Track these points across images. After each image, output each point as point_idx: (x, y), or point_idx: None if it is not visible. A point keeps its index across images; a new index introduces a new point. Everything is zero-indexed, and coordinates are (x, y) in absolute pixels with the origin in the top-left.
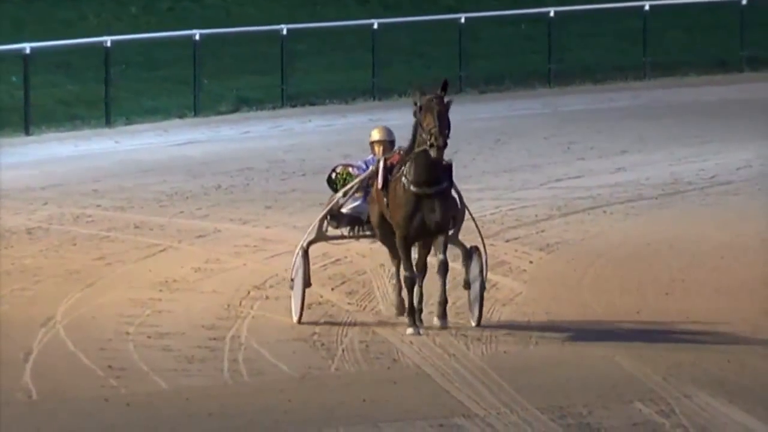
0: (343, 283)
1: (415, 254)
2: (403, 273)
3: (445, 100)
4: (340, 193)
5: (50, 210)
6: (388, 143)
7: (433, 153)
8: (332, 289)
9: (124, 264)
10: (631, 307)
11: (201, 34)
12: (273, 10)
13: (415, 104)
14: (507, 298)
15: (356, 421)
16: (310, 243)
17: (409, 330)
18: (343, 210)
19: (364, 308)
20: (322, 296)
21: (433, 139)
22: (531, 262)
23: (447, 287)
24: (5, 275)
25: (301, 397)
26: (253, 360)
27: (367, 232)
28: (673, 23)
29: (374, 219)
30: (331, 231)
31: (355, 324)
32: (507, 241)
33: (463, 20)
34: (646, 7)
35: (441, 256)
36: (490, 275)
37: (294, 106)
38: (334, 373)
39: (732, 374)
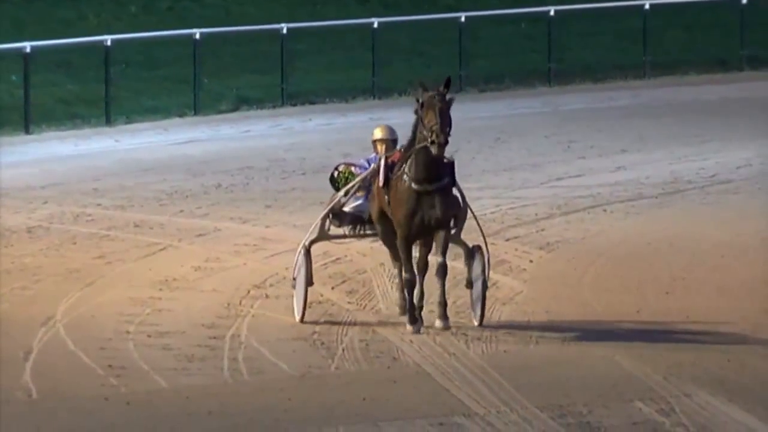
0: (343, 282)
1: (415, 253)
2: (403, 274)
3: (447, 97)
4: (341, 192)
5: (50, 209)
6: (391, 141)
7: (434, 150)
8: (332, 288)
9: (124, 263)
10: (632, 306)
11: (201, 33)
12: (273, 9)
13: (417, 101)
14: (507, 297)
15: (356, 419)
16: (312, 242)
17: (409, 328)
18: (345, 209)
19: (365, 307)
20: (322, 295)
21: (434, 136)
22: (531, 261)
23: (447, 286)
24: (5, 274)
25: (301, 396)
26: (253, 359)
27: (369, 231)
28: (673, 22)
29: (375, 216)
30: (333, 230)
31: (355, 323)
32: (507, 240)
33: (463, 19)
34: (646, 6)
35: (440, 259)
36: (490, 274)
37: (294, 105)
38: (334, 371)
39: (732, 373)
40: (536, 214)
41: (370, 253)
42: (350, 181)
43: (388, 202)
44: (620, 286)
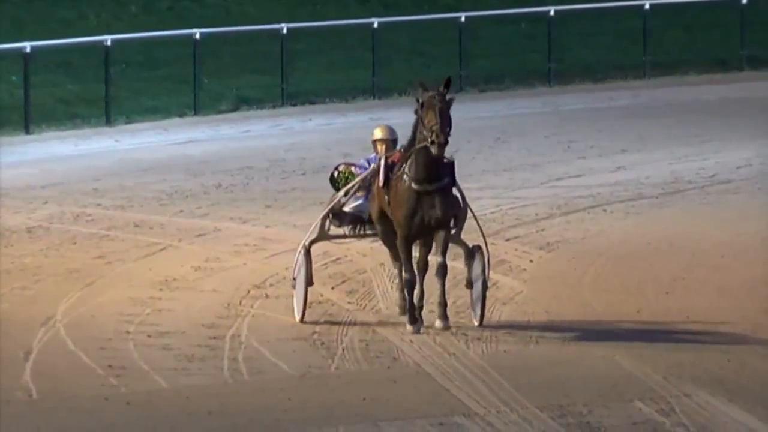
0: (343, 281)
1: (415, 253)
2: (403, 274)
3: (447, 97)
4: (341, 192)
5: (50, 209)
6: (391, 141)
7: (434, 150)
8: (332, 288)
9: (124, 263)
10: (632, 306)
11: (201, 33)
12: (273, 9)
13: (417, 101)
14: (507, 297)
15: (356, 419)
16: (313, 242)
17: (410, 328)
18: (345, 209)
19: (364, 307)
20: (322, 295)
21: (434, 136)
22: (531, 261)
23: (447, 286)
24: (5, 274)
25: (301, 396)
26: (253, 359)
27: (369, 232)
28: (673, 22)
29: (375, 216)
30: (334, 230)
31: (355, 323)
32: (507, 240)
33: (463, 19)
34: (647, 6)
35: (440, 259)
36: (490, 274)
37: (294, 104)
38: (334, 371)
39: (732, 373)
40: (536, 214)
41: (370, 253)
42: (350, 181)
43: (388, 202)
44: (620, 286)
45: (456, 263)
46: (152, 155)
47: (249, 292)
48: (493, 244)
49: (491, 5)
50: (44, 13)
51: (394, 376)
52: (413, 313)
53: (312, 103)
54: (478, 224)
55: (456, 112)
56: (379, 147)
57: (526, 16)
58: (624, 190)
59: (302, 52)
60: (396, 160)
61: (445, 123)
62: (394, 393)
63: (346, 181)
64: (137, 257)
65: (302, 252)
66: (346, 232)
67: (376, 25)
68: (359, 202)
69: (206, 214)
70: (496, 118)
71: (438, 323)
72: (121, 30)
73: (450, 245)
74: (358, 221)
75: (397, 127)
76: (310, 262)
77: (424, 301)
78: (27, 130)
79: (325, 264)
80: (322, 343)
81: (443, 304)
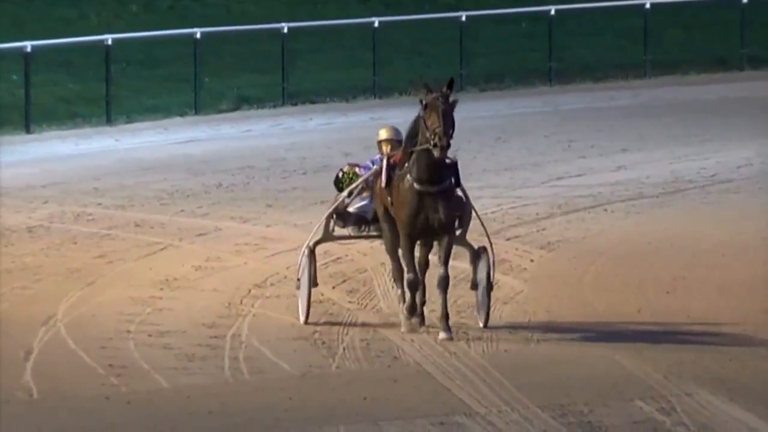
0: (344, 281)
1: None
2: (406, 274)
3: (451, 99)
4: (345, 193)
5: (51, 208)
6: (396, 142)
7: (435, 153)
8: (333, 288)
9: (125, 262)
10: (632, 305)
11: (202, 33)
12: (273, 8)
13: (421, 102)
14: (508, 297)
15: (357, 419)
16: (317, 243)
17: (407, 325)
18: (350, 209)
19: (365, 306)
20: (323, 294)
21: (437, 138)
22: (532, 260)
23: (448, 284)
24: (6, 273)
25: (302, 396)
26: (253, 358)
27: (374, 232)
28: (674, 21)
29: (381, 216)
30: (338, 230)
31: (356, 322)
32: (508, 239)
33: (463, 18)
34: (647, 6)
35: (442, 271)
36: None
37: (295, 104)
38: (335, 371)
39: (732, 372)
40: (537, 214)
41: (371, 253)
42: (355, 181)
43: (391, 203)
44: (621, 285)
45: (457, 262)
46: (153, 154)
47: (250, 291)
48: (493, 243)
49: (492, 4)
50: (45, 12)
51: (394, 376)
52: (414, 311)
53: (313, 102)
54: (483, 225)
55: (457, 111)
56: (384, 147)
57: (526, 16)
58: (624, 190)
59: (303, 51)
60: (398, 160)
61: (448, 125)
62: (395, 392)
63: (351, 182)
64: (138, 257)
65: (306, 252)
66: (351, 233)
67: (376, 25)
68: (364, 203)
69: (207, 213)
70: (496, 118)
71: (442, 335)
72: (121, 29)
73: (453, 246)
74: (362, 222)
75: (400, 127)
76: (315, 263)
77: (426, 297)
78: (27, 130)
79: (326, 263)
80: (323, 343)
81: (446, 317)
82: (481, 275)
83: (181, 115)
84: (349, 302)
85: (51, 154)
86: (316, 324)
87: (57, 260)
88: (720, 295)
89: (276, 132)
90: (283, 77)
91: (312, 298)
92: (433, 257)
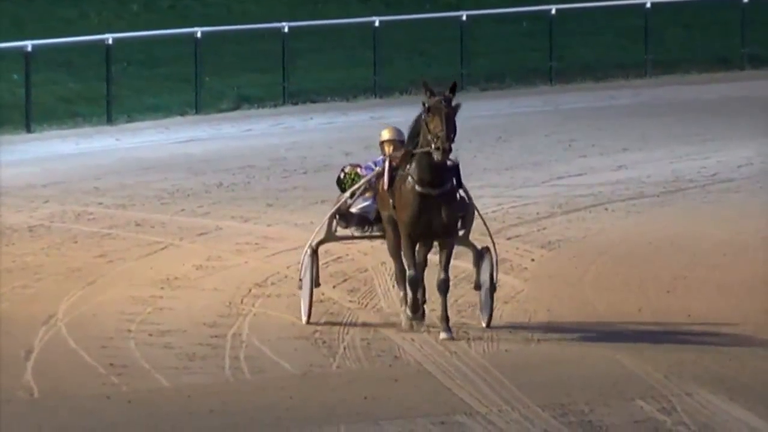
0: (344, 280)
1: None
2: (407, 271)
3: (453, 103)
4: (347, 193)
5: (51, 207)
6: (398, 142)
7: (437, 157)
8: (334, 287)
9: (126, 262)
10: (633, 305)
11: (202, 32)
12: (274, 7)
13: (423, 104)
14: (508, 296)
15: (357, 418)
16: (320, 243)
17: (407, 322)
18: (352, 210)
19: (366, 306)
20: (323, 294)
21: (439, 142)
22: (532, 259)
23: (449, 287)
24: (6, 273)
25: (303, 395)
26: (254, 357)
27: (377, 233)
28: (674, 21)
29: (384, 218)
30: (340, 231)
31: (356, 321)
32: (508, 238)
33: (464, 18)
34: (648, 5)
35: (442, 275)
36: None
37: (295, 103)
38: (336, 370)
39: (733, 372)
40: (537, 213)
41: (372, 252)
42: (356, 182)
43: (393, 205)
44: (621, 284)
45: (457, 261)
46: (153, 154)
47: (250, 290)
48: (495, 243)
49: (492, 4)
50: (45, 11)
51: (395, 375)
52: (417, 307)
53: (313, 101)
54: (486, 226)
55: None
56: (386, 148)
57: (527, 15)
58: (625, 189)
59: (303, 50)
60: (400, 162)
61: (450, 130)
62: (396, 392)
63: (353, 182)
64: (138, 256)
65: (309, 252)
66: (354, 233)
67: (377, 24)
68: (366, 203)
69: (207, 212)
70: (497, 117)
71: (442, 335)
72: (122, 28)
73: (455, 246)
74: (364, 222)
75: (401, 126)
76: (317, 263)
77: (426, 296)
78: (28, 129)
79: (327, 262)
80: (324, 342)
81: (446, 319)
82: (485, 276)
83: (182, 114)
84: (350, 301)
85: (52, 154)
86: (316, 323)
87: (58, 259)
88: (720, 294)
89: (276, 131)
90: (283, 77)
91: (313, 298)
92: (434, 257)
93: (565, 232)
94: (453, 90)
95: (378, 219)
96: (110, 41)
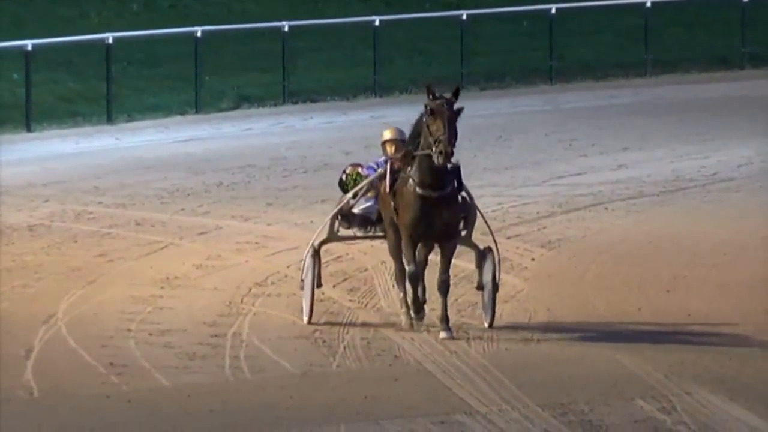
0: (344, 280)
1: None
2: (407, 267)
3: (456, 107)
4: (350, 194)
5: (51, 207)
6: (400, 142)
7: (438, 160)
8: (334, 286)
9: (126, 261)
10: (633, 304)
11: (202, 31)
12: (274, 7)
13: (426, 106)
14: (508, 295)
15: (357, 418)
16: (322, 243)
17: (407, 323)
18: (354, 210)
19: (366, 305)
20: (323, 293)
21: (441, 146)
22: (532, 259)
23: (449, 288)
24: (6, 272)
25: (303, 394)
26: (254, 357)
27: (379, 233)
28: (675, 20)
29: (386, 222)
30: (342, 231)
31: (356, 321)
32: (508, 238)
33: (464, 17)
34: (648, 4)
35: (443, 275)
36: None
37: (295, 103)
38: (336, 370)
39: (733, 372)
40: (537, 212)
41: (372, 251)
42: (358, 182)
43: (395, 208)
44: (621, 284)
45: (457, 261)
46: (153, 153)
47: (250, 290)
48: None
49: (492, 3)
50: (45, 10)
51: (395, 375)
52: (418, 305)
53: (313, 101)
54: (489, 227)
55: None
56: (388, 148)
57: (527, 14)
58: (625, 188)
59: (303, 50)
60: (401, 163)
61: (452, 134)
62: (396, 391)
63: (355, 183)
64: (138, 255)
65: (310, 253)
66: (356, 233)
67: (377, 23)
68: (368, 204)
69: (207, 212)
70: (497, 116)
71: (442, 334)
72: (122, 28)
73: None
74: (366, 222)
75: (402, 126)
76: (319, 264)
77: (427, 296)
78: (28, 128)
79: (327, 262)
80: (324, 341)
81: (446, 318)
82: (487, 277)
83: (182, 113)
84: (350, 301)
85: (52, 153)
86: (316, 323)
87: (58, 259)
88: (720, 294)
89: (276, 131)
90: (283, 76)
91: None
92: (434, 257)
93: (566, 231)
94: (456, 94)
95: (380, 219)
96: (110, 40)
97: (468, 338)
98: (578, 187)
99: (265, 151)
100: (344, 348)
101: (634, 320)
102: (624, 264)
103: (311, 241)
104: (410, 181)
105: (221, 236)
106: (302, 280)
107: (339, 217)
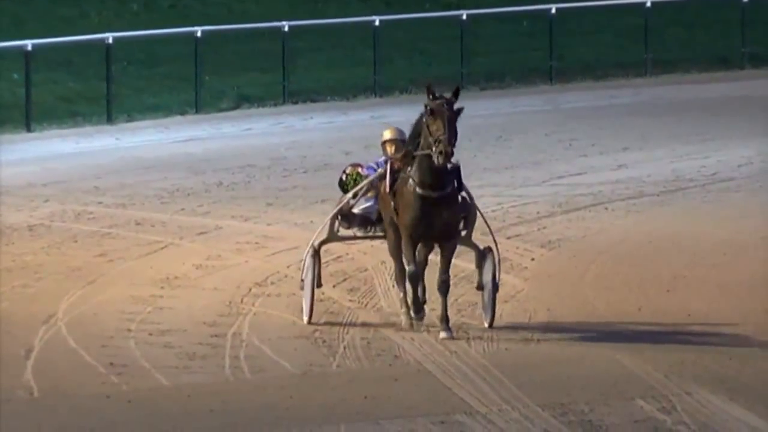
0: (344, 280)
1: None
2: (407, 267)
3: (456, 107)
4: (350, 194)
5: (51, 207)
6: (400, 142)
7: (438, 160)
8: (334, 286)
9: (126, 261)
10: (633, 304)
11: (202, 31)
12: (274, 6)
13: (426, 107)
14: (508, 295)
15: (357, 418)
16: (322, 243)
17: (408, 323)
18: (354, 210)
19: (366, 305)
20: (323, 293)
21: (441, 146)
22: (532, 259)
23: (449, 288)
24: (6, 272)
25: (303, 394)
26: (254, 357)
27: (379, 233)
28: (675, 20)
29: (386, 222)
30: (342, 231)
31: (356, 321)
32: (508, 238)
33: (464, 17)
34: (648, 4)
35: (443, 276)
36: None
37: (295, 103)
38: (336, 370)
39: (733, 371)
40: (537, 212)
41: (371, 251)
42: (358, 182)
43: (395, 208)
44: (621, 284)
45: (457, 261)
46: (153, 153)
47: (250, 290)
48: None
49: (492, 3)
50: (45, 10)
51: (395, 374)
52: (418, 305)
53: (313, 101)
54: (489, 227)
55: None
56: (388, 148)
57: (527, 14)
58: (625, 188)
59: (303, 50)
60: (401, 163)
61: (452, 134)
62: (396, 391)
63: (355, 183)
64: (138, 255)
65: (311, 253)
66: (356, 233)
67: (377, 23)
68: (369, 204)
69: (207, 212)
70: (497, 116)
71: (442, 334)
72: (122, 28)
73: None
74: (367, 222)
75: (402, 126)
76: (319, 264)
77: (427, 296)
78: (28, 128)
79: (327, 262)
80: (324, 341)
81: (446, 318)
82: (487, 277)
83: (182, 113)
84: (350, 301)
85: (52, 153)
86: (316, 323)
87: (58, 259)
88: (720, 294)
89: (277, 131)
90: (283, 76)
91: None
92: (435, 257)
93: (565, 231)
94: (456, 94)
95: (380, 219)
96: (110, 40)
97: (468, 338)
98: (578, 187)
99: (265, 151)
100: (344, 348)
101: (634, 320)
102: (624, 264)
103: (311, 241)
104: (410, 181)
105: (221, 236)
106: (302, 280)
107: (339, 217)
